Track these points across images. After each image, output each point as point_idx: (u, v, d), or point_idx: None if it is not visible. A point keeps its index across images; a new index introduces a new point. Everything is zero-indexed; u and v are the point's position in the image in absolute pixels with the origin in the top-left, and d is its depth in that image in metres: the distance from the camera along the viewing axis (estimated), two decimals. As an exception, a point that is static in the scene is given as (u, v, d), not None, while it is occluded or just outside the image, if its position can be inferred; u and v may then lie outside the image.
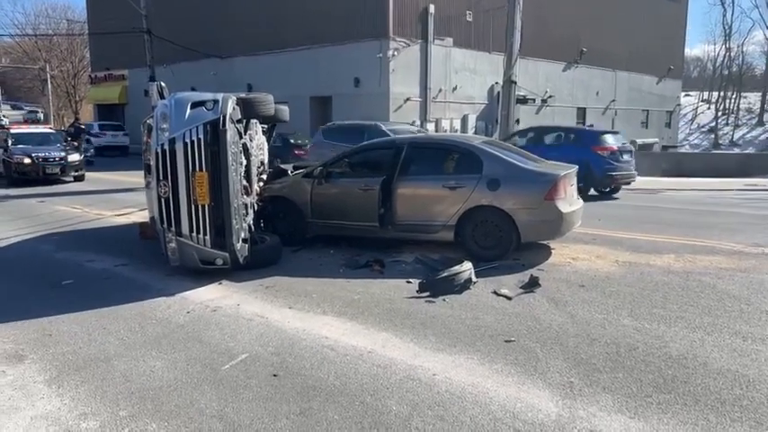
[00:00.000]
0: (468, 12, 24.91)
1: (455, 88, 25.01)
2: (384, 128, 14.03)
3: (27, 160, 15.90)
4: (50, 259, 7.35)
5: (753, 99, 57.72)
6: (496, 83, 24.57)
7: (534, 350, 4.23)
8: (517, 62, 15.03)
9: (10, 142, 16.65)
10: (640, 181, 14.53)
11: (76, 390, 3.77)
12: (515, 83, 15.16)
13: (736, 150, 44.91)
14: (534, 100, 27.53)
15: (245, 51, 27.02)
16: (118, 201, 12.67)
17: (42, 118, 42.33)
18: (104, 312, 5.21)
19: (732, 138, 51.86)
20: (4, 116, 30.68)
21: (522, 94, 23.77)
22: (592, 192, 12.59)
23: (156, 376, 3.93)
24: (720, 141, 50.97)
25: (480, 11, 24.91)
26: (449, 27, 24.30)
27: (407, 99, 23.19)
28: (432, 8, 23.43)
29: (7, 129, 19.26)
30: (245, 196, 6.69)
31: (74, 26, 50.37)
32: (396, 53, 22.52)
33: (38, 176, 15.91)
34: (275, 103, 7.57)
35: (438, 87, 24.26)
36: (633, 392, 3.59)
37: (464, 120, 25.62)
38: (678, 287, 5.73)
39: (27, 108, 43.08)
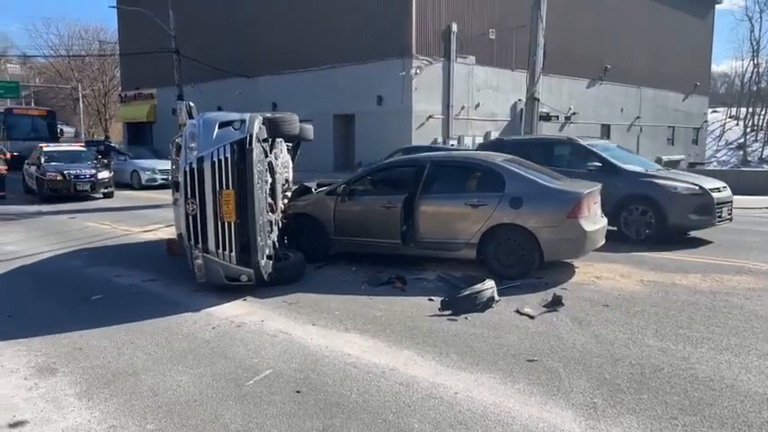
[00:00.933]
0: (490, 30, 25.03)
1: (477, 105, 25.06)
2: (584, 143, 10.15)
3: (59, 177, 16.33)
4: (80, 274, 7.53)
5: (783, 115, 56.53)
6: (519, 100, 24.57)
7: (557, 370, 4.21)
8: (540, 79, 15.05)
9: (43, 159, 17.12)
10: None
11: (106, 403, 3.86)
12: (538, 100, 15.18)
13: (766, 167, 43.98)
14: (558, 117, 27.41)
15: (269, 71, 27.49)
16: (145, 217, 12.91)
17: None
18: (132, 327, 5.32)
19: (761, 154, 50.81)
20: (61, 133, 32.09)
21: (545, 111, 23.69)
22: None
23: (182, 391, 4.01)
24: (749, 158, 49.97)
25: (503, 29, 25.01)
26: (471, 45, 24.44)
27: (430, 116, 23.31)
28: (454, 27, 23.62)
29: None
30: (269, 213, 6.79)
31: (105, 47, 51.84)
32: (418, 71, 22.70)
33: (69, 193, 16.31)
34: (300, 121, 7.71)
35: (460, 105, 24.34)
36: (658, 414, 3.55)
37: (486, 137, 25.53)
38: (705, 307, 5.65)
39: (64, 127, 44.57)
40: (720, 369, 4.18)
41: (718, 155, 52.10)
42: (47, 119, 31.34)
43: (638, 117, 33.88)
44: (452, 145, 23.58)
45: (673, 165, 30.79)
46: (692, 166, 32.92)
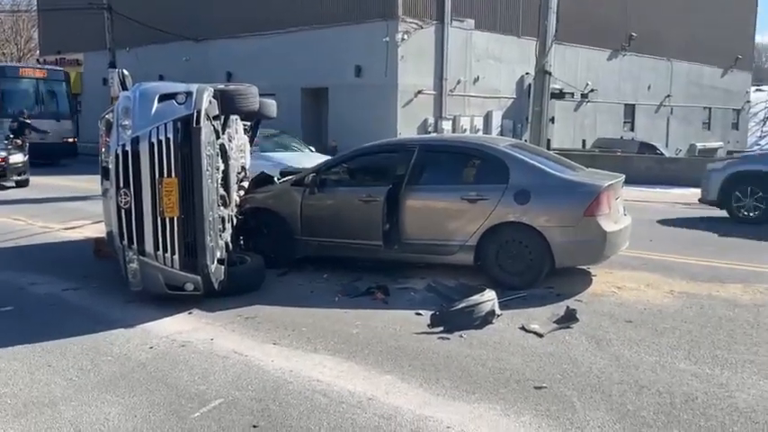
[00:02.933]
0: (493, -13, 25.11)
1: (477, 79, 25.12)
2: None
3: None
4: (-14, 281, 7.40)
5: (839, 95, 57.63)
6: (527, 73, 24.67)
7: (570, 399, 4.22)
8: (552, 49, 15.16)
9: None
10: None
11: (15, 440, 3.79)
12: (550, 73, 15.29)
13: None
14: (573, 94, 27.62)
15: (224, 33, 27.26)
16: (68, 211, 12.75)
17: None
18: (50, 346, 5.24)
19: (814, 141, 51.74)
20: None
21: (557, 87, 23.87)
22: None
23: (111, 425, 3.94)
24: (800, 146, 50.83)
25: (508, -13, 25.13)
26: (470, 6, 24.48)
27: (419, 92, 23.31)
28: (450, -17, 23.64)
29: None
30: (221, 208, 6.74)
31: (20, 1, 51.01)
32: (406, 36, 22.67)
33: (-29, 181, 15.97)
34: (260, 95, 7.65)
35: (456, 78, 24.37)
36: (691, 453, 3.58)
37: (487, 117, 25.68)
38: (746, 324, 5.72)
39: None
40: (765, 398, 4.22)
41: (763, 142, 52.90)
42: (57, 83, 24.93)
43: (668, 96, 34.24)
44: (443, 129, 23.59)
45: (709, 153, 31.28)
46: (731, 155, 33.41)
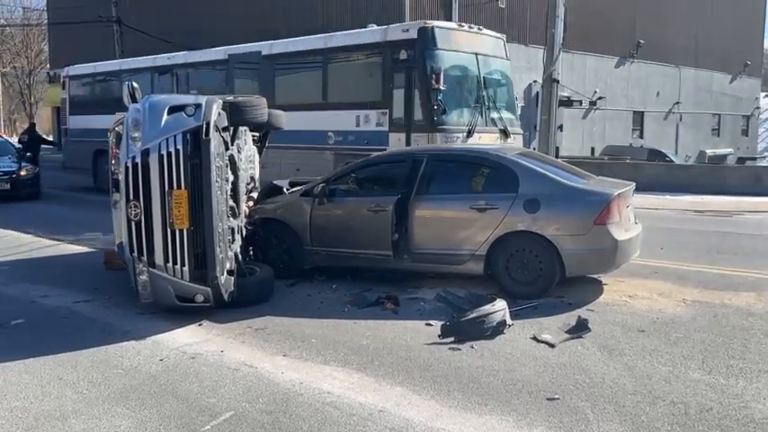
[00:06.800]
0: (500, -4, 25.15)
1: (485, 88, 25.14)
2: None
3: None
4: (-3, 294, 7.43)
5: None
6: (534, 81, 24.63)
7: (583, 410, 4.19)
8: (560, 57, 15.14)
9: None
10: (710, 201, 14.39)
11: (26, 454, 3.79)
12: (558, 81, 15.28)
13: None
14: (581, 102, 27.58)
15: (230, 43, 27.35)
16: (79, 223, 12.78)
17: None
18: (61, 359, 5.24)
19: (825, 147, 51.45)
20: None
21: (565, 95, 23.83)
22: None
23: (121, 439, 3.93)
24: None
25: (515, -5, 25.16)
26: (477, 15, 24.51)
27: (427, 101, 23.34)
28: (456, -8, 23.70)
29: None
30: (231, 219, 6.75)
31: (30, 15, 51.54)
32: (413, 46, 22.72)
33: (-18, 193, 16.02)
34: (268, 105, 7.66)
35: (464, 87, 24.40)
36: (707, 465, 3.54)
37: (495, 126, 25.67)
38: (761, 333, 5.67)
39: None
40: (781, 408, 4.18)
41: (773, 148, 52.61)
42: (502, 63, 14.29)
43: (677, 102, 34.17)
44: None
45: (719, 160, 31.14)
46: (741, 162, 33.27)
